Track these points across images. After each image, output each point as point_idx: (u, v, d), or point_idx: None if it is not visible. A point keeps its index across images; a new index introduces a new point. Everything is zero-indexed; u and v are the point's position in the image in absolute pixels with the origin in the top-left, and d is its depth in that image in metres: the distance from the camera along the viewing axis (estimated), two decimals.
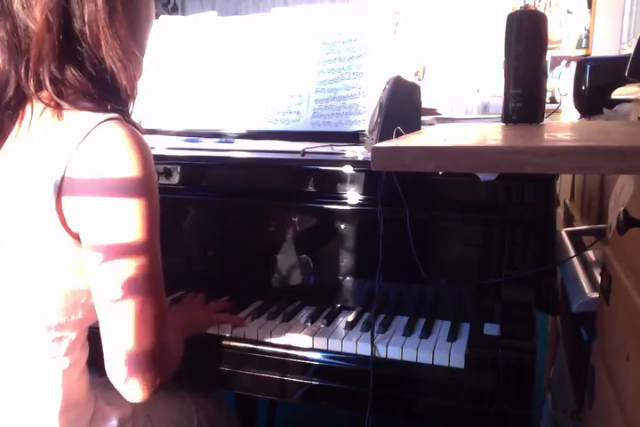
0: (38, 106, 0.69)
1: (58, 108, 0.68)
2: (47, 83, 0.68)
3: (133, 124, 0.71)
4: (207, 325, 0.97)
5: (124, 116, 0.70)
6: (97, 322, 0.72)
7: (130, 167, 0.67)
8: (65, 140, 0.67)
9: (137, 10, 0.74)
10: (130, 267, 0.68)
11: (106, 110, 0.69)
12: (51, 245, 0.69)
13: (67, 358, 0.74)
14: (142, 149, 0.68)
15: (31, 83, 0.68)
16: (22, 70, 0.68)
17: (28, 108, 0.70)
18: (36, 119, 0.70)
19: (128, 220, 0.67)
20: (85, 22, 0.67)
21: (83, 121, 0.68)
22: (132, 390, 0.71)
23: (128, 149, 0.67)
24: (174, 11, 4.89)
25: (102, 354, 0.72)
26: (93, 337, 0.77)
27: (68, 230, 0.68)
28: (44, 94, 0.69)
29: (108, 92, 0.70)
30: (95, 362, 0.80)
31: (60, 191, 0.66)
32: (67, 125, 0.68)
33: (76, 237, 0.69)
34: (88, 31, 0.67)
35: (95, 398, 0.82)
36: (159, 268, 0.72)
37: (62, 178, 0.66)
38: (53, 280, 0.70)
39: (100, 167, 0.67)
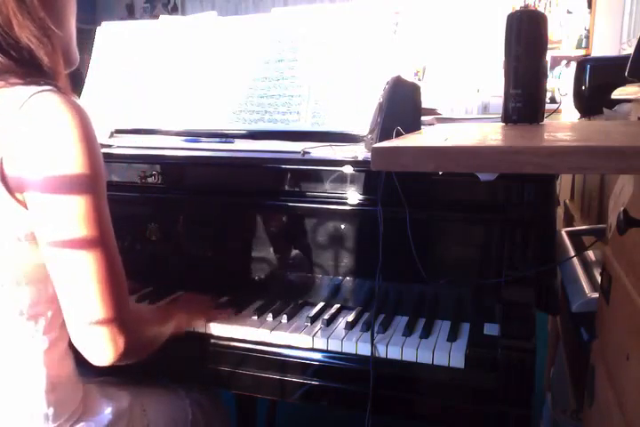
0: None
1: None
2: None
3: (70, 95, 0.71)
4: (204, 320, 0.98)
5: (58, 89, 0.70)
6: None
7: (71, 144, 0.66)
8: (1, 114, 0.67)
9: None
10: (77, 231, 0.68)
11: (38, 84, 0.69)
12: (4, 216, 0.68)
13: (45, 337, 0.75)
14: (82, 118, 0.67)
15: None
16: None
17: None
18: None
19: (69, 197, 0.67)
20: None
21: (17, 94, 0.68)
22: (93, 352, 0.71)
23: (67, 120, 0.67)
24: (174, 11, 4.89)
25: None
26: None
27: (18, 200, 0.68)
28: None
29: (32, 69, 0.70)
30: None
31: (2, 168, 0.66)
32: (1, 101, 0.68)
33: (23, 204, 0.69)
34: None
35: (90, 392, 0.83)
36: (110, 240, 0.71)
37: (1, 158, 0.66)
38: (15, 253, 0.70)
39: (40, 144, 0.66)
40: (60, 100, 0.68)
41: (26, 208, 0.69)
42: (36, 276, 0.72)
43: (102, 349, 0.70)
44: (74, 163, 0.67)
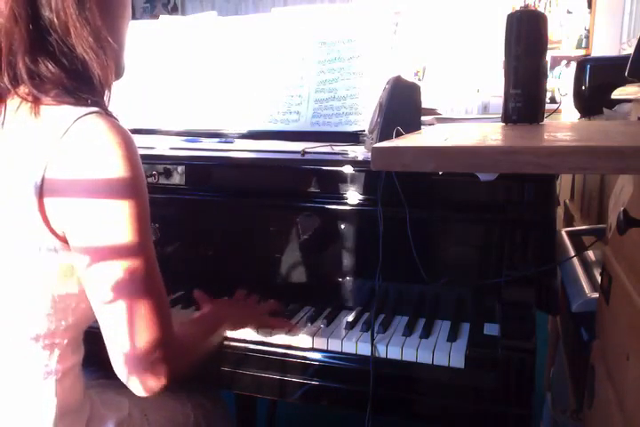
0: (13, 102, 0.67)
1: (36, 102, 0.65)
2: (25, 76, 0.65)
3: (114, 117, 0.69)
4: (255, 327, 0.94)
5: (104, 110, 0.68)
6: (94, 322, 0.71)
7: (115, 165, 0.64)
8: (43, 137, 0.64)
9: None
10: (120, 269, 0.66)
11: (86, 104, 0.66)
12: (35, 247, 0.66)
13: (59, 365, 0.73)
14: (127, 143, 0.65)
15: (6, 78, 0.66)
16: None
17: (1, 105, 0.68)
18: (11, 116, 0.67)
19: (116, 221, 0.65)
20: (53, 10, 0.65)
21: (61, 116, 0.65)
22: (135, 386, 0.70)
23: (112, 144, 0.64)
24: (174, 11, 4.89)
25: (99, 354, 0.71)
26: (90, 337, 0.77)
27: (53, 232, 0.66)
28: (21, 89, 0.66)
29: (82, 83, 0.68)
30: (91, 363, 0.80)
31: (41, 193, 0.64)
32: (45, 121, 0.65)
33: (62, 239, 0.67)
34: (56, 19, 0.65)
35: (91, 402, 0.81)
36: (154, 268, 0.70)
37: (43, 179, 0.64)
38: (40, 285, 0.68)
39: (83, 166, 0.64)
40: (106, 124, 0.65)
41: (64, 242, 0.67)
42: (60, 304, 0.70)
43: (147, 381, 0.69)
44: (122, 189, 0.65)
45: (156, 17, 1.50)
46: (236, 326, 0.93)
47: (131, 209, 0.65)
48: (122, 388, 0.87)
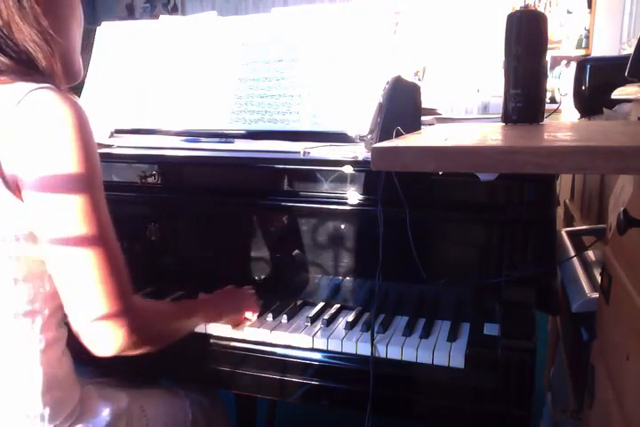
0: None
1: None
2: None
3: (69, 93, 0.72)
4: (227, 322, 0.97)
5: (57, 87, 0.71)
6: None
7: (67, 141, 0.67)
8: None
9: None
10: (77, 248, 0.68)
11: (38, 82, 0.70)
12: (3, 214, 0.69)
13: (42, 336, 0.75)
14: (79, 116, 0.68)
15: None
16: None
17: None
18: None
19: (68, 202, 0.67)
20: None
21: (15, 89, 0.69)
22: (91, 343, 0.71)
23: (64, 116, 0.67)
24: (174, 11, 4.88)
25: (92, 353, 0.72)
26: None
27: (16, 195, 0.68)
28: None
29: (32, 70, 0.72)
30: (88, 362, 0.80)
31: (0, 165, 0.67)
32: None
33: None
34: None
35: (88, 393, 0.82)
36: (116, 255, 0.71)
37: None
38: (13, 251, 0.70)
39: (36, 141, 0.67)
40: (58, 97, 0.68)
41: (23, 204, 0.69)
42: (34, 273, 0.72)
43: (105, 339, 0.70)
44: (70, 160, 0.67)
45: (156, 17, 1.50)
46: (212, 318, 0.95)
47: (83, 182, 0.68)
48: (121, 384, 0.88)
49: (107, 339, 0.70)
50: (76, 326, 0.71)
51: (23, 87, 0.69)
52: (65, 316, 0.76)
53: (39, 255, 0.71)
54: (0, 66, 0.71)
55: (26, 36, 0.72)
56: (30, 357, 0.74)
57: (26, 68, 0.72)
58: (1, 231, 0.70)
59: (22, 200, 0.69)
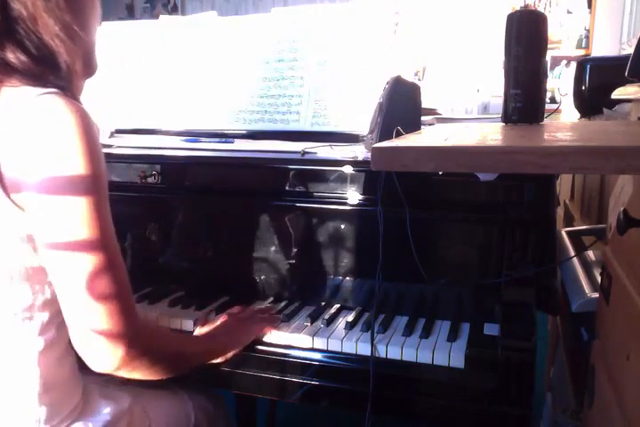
0: None
1: None
2: None
3: (76, 99, 0.71)
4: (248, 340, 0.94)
5: (66, 92, 0.70)
6: None
7: (72, 144, 0.66)
8: (3, 115, 0.67)
9: None
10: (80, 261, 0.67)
11: (47, 86, 0.69)
12: (2, 218, 0.68)
13: (41, 337, 0.74)
14: (84, 121, 0.67)
15: None
16: None
17: None
18: None
19: (72, 212, 0.67)
20: (21, 2, 0.69)
21: (22, 94, 0.68)
22: (89, 357, 0.70)
23: (70, 120, 0.66)
24: (174, 11, 4.89)
25: None
26: None
27: (14, 202, 0.68)
28: None
29: (48, 69, 0.71)
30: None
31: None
32: (5, 100, 0.68)
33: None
34: (24, 11, 0.69)
35: (89, 393, 0.82)
36: (117, 265, 0.70)
37: None
38: (14, 253, 0.70)
39: (40, 144, 0.66)
40: (64, 102, 0.67)
41: (22, 210, 0.68)
42: (35, 277, 0.71)
43: (102, 355, 0.69)
44: (75, 164, 0.66)
45: (156, 17, 1.50)
46: (225, 351, 0.91)
47: (88, 203, 0.67)
48: (123, 384, 0.87)
49: (103, 356, 0.69)
50: (73, 339, 0.71)
51: (30, 92, 0.68)
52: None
53: (38, 262, 0.70)
54: (15, 64, 0.69)
55: (50, 30, 0.70)
56: (28, 358, 0.74)
57: (41, 68, 0.70)
58: (6, 243, 0.69)
59: (20, 207, 0.68)
